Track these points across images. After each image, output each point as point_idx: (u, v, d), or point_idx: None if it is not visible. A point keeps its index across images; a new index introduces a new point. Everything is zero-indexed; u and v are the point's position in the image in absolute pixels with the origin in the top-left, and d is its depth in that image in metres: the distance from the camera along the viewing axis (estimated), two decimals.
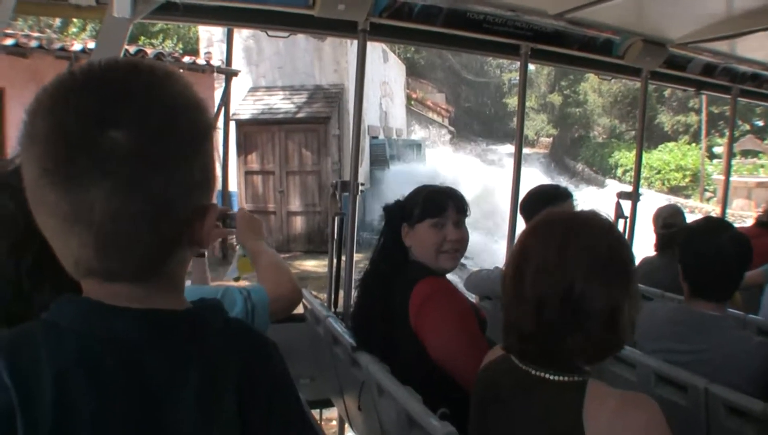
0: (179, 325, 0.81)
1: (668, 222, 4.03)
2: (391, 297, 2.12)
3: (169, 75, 0.80)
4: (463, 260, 2.29)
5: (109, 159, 0.71)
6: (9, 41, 7.29)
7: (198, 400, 0.76)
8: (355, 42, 3.06)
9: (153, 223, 0.76)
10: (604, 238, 1.37)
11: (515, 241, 1.49)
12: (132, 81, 0.76)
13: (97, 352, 0.75)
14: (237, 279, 2.10)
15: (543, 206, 1.92)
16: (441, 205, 2.18)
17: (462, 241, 2.19)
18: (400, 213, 2.22)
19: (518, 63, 3.71)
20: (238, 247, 2.04)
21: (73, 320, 0.77)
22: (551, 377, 1.35)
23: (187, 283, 0.92)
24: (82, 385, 0.72)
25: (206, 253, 2.25)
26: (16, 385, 0.70)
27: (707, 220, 2.47)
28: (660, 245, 4.01)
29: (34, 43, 7.81)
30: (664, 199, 16.53)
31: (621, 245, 1.41)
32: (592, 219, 1.42)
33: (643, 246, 4.02)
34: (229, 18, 2.90)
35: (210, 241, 0.83)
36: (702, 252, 2.14)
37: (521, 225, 3.07)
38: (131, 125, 0.72)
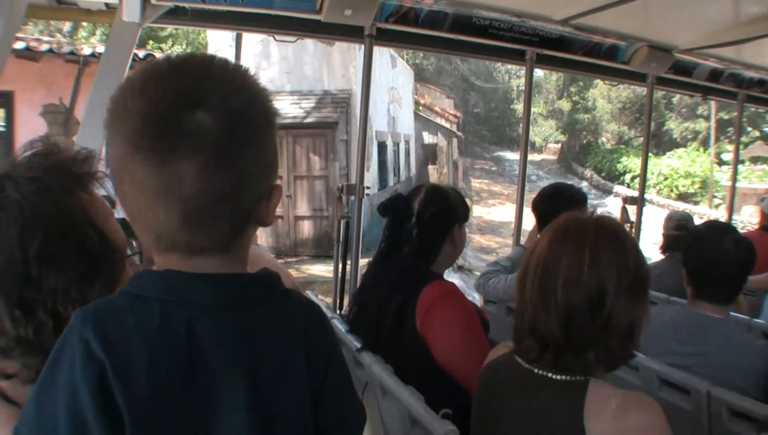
0: (253, 286, 0.88)
1: (681, 223, 4.04)
2: (395, 298, 2.12)
3: (242, 67, 0.87)
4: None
5: (199, 136, 0.76)
6: (19, 45, 7.29)
7: (272, 357, 0.84)
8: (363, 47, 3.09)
9: (235, 199, 0.81)
10: (633, 253, 1.37)
11: (535, 242, 1.46)
12: (213, 69, 0.83)
13: (181, 317, 0.79)
14: None
15: (559, 208, 1.93)
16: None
17: None
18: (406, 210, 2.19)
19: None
20: None
21: (158, 290, 0.81)
22: (553, 376, 1.35)
23: None
24: (168, 351, 0.77)
25: None
26: (109, 355, 0.74)
27: (711, 224, 2.47)
28: (665, 247, 4.01)
29: (44, 47, 7.81)
30: (668, 211, 16.37)
31: (643, 260, 1.41)
32: (620, 231, 1.42)
33: (648, 251, 4.03)
34: (237, 23, 2.92)
35: (271, 220, 0.88)
36: (705, 254, 2.14)
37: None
38: (217, 106, 0.78)
